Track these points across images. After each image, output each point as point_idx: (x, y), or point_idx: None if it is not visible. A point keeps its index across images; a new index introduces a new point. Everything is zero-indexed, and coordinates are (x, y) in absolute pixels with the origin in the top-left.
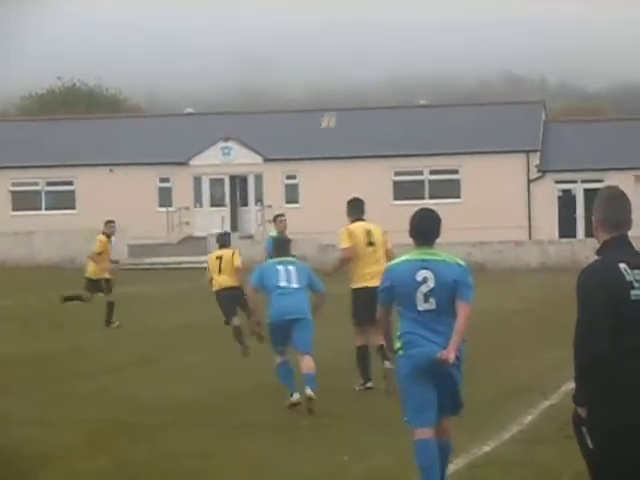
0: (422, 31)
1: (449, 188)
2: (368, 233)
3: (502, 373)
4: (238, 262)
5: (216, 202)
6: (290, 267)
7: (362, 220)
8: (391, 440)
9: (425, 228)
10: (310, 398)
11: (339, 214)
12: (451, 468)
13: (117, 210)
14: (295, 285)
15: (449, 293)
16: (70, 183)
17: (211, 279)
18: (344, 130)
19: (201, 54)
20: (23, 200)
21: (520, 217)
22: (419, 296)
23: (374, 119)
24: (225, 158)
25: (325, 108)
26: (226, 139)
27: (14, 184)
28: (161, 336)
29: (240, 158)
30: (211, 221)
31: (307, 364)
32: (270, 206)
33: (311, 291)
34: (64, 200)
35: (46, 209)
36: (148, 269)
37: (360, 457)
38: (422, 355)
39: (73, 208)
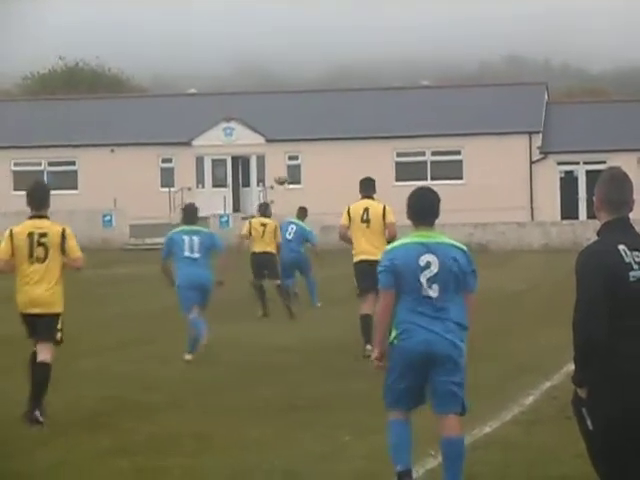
0: (424, 12)
1: (451, 169)
2: (366, 210)
3: (503, 354)
4: (279, 238)
5: (218, 183)
6: (194, 237)
7: (369, 198)
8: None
9: (424, 208)
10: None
11: (341, 195)
12: None
13: (119, 190)
14: (197, 255)
15: (454, 279)
16: (72, 163)
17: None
18: (346, 111)
19: (205, 34)
20: (25, 180)
21: (522, 198)
22: (422, 281)
23: (376, 100)
24: (227, 139)
25: (327, 89)
26: (228, 119)
27: (16, 164)
28: (162, 316)
29: (242, 139)
30: (213, 202)
31: (194, 320)
32: (272, 187)
33: (214, 254)
34: (66, 180)
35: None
36: (150, 249)
37: (362, 437)
38: (417, 346)
39: (75, 188)
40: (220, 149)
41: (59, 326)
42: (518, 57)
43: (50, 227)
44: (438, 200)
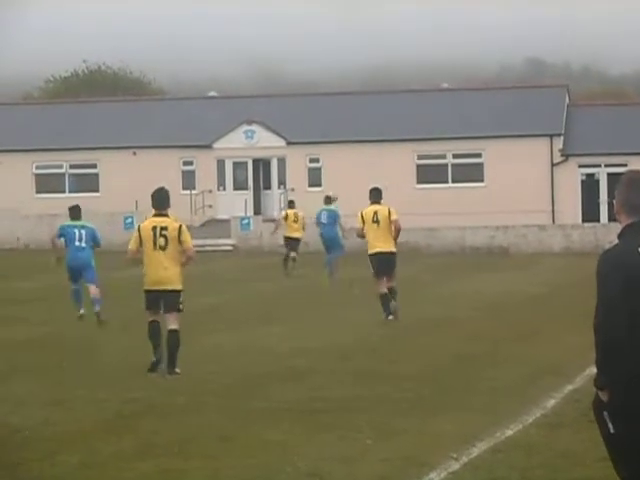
0: (445, 15)
1: (472, 172)
2: (375, 213)
3: (526, 357)
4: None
5: (239, 185)
6: (82, 231)
7: (377, 204)
8: (415, 423)
9: None
10: (97, 313)
11: (362, 197)
12: (474, 452)
13: (140, 193)
14: (83, 244)
15: None
16: (94, 166)
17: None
18: (367, 113)
19: (224, 38)
20: (47, 183)
21: (543, 201)
22: None
23: (397, 102)
24: (248, 141)
25: (347, 92)
26: (249, 122)
27: (38, 167)
28: (183, 317)
29: (263, 141)
30: (234, 204)
31: (92, 291)
32: (293, 189)
33: (94, 244)
34: (88, 183)
35: (70, 192)
36: None
37: (384, 440)
38: None
39: (97, 191)
40: (241, 152)
41: (181, 299)
42: (538, 60)
43: (170, 222)
44: None
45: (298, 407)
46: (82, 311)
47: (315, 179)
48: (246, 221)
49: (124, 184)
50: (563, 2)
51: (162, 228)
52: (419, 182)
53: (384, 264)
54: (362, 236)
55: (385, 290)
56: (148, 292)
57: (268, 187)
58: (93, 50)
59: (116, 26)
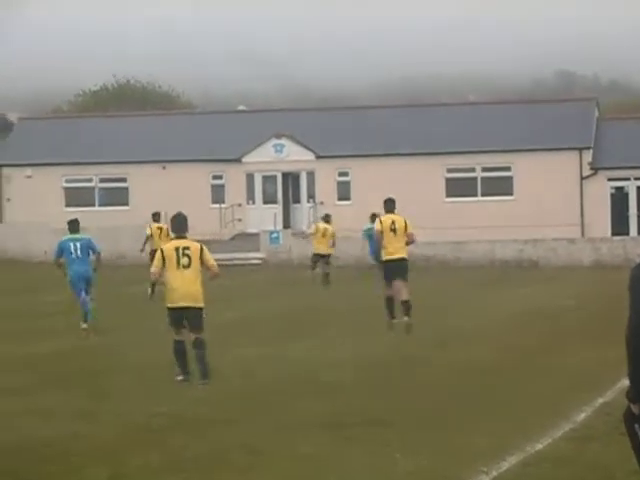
0: (475, 28)
1: (502, 185)
2: (393, 222)
3: (556, 370)
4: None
5: (268, 199)
6: (77, 243)
7: (392, 213)
8: (444, 436)
9: None
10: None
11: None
12: (504, 466)
13: (170, 207)
14: (79, 256)
15: None
16: (123, 180)
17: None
18: (396, 127)
19: (253, 52)
20: (76, 196)
21: (573, 215)
22: None
23: (427, 116)
24: (278, 155)
25: (376, 105)
26: (279, 136)
27: (68, 180)
28: (212, 331)
29: (292, 155)
30: (263, 218)
31: (84, 300)
32: (322, 203)
33: (93, 253)
34: (117, 197)
35: (99, 205)
36: None
37: (413, 454)
38: None
39: (126, 205)
40: (270, 165)
41: (204, 315)
42: (567, 73)
43: (191, 243)
44: None
45: (327, 421)
46: (84, 326)
47: (344, 193)
48: (275, 235)
49: (153, 198)
50: (592, 16)
51: (184, 248)
52: (448, 195)
53: (398, 269)
54: (381, 243)
55: (391, 294)
56: (172, 309)
57: (297, 201)
58: (122, 64)
59: (144, 41)
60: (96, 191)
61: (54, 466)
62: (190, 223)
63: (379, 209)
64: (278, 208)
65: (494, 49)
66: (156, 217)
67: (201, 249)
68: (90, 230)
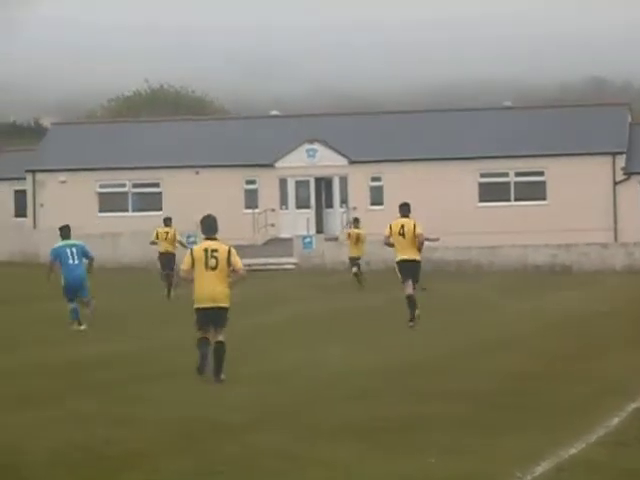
0: (505, 32)
1: (535, 190)
2: (402, 226)
3: (589, 375)
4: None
5: (301, 204)
6: (73, 249)
7: (406, 217)
8: (478, 441)
9: None
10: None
11: (423, 216)
12: (537, 471)
13: (203, 212)
14: (76, 262)
15: None
16: (156, 185)
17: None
18: (429, 132)
19: (285, 56)
20: (110, 202)
21: (606, 219)
22: None
23: (459, 121)
24: (310, 160)
25: (409, 110)
26: (311, 141)
27: (101, 186)
28: (246, 336)
29: (325, 160)
30: (296, 223)
31: (88, 306)
32: (355, 208)
33: (86, 259)
34: (150, 202)
35: (133, 211)
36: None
37: (446, 459)
38: None
39: (159, 210)
40: (303, 170)
41: (227, 315)
42: (598, 78)
43: (220, 245)
44: None
45: (360, 426)
46: (83, 327)
47: (377, 198)
48: (308, 240)
49: (187, 203)
50: (623, 20)
51: (213, 250)
52: (481, 200)
53: (409, 270)
54: (390, 245)
55: (411, 292)
56: (199, 310)
57: (330, 206)
58: (155, 69)
59: (178, 45)
60: (129, 196)
61: (90, 471)
62: (223, 228)
63: (413, 214)
64: (311, 213)
65: (526, 55)
66: (167, 222)
67: (229, 251)
68: (124, 236)
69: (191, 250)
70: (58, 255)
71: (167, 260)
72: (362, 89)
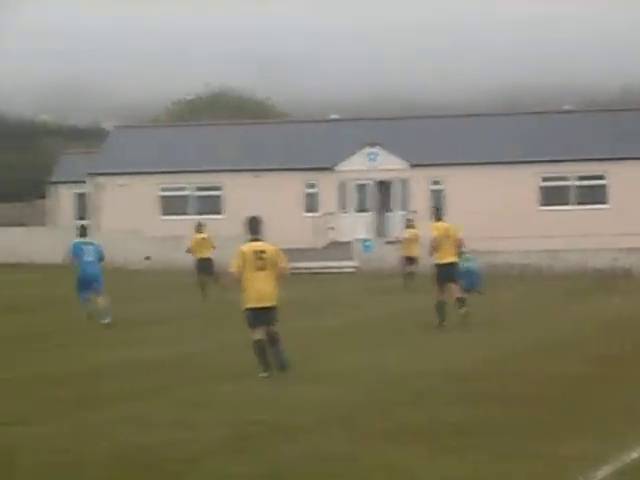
0: (565, 37)
1: (596, 194)
2: (446, 229)
3: None
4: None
5: (361, 207)
6: (90, 247)
7: (442, 221)
8: (538, 446)
9: None
10: (107, 324)
11: (485, 220)
12: (599, 475)
13: (264, 215)
14: (92, 259)
15: None
16: (218, 188)
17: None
18: (490, 135)
19: (345, 59)
20: (172, 205)
21: None
22: None
23: (520, 124)
24: (371, 164)
25: (470, 114)
26: (372, 145)
27: (163, 189)
28: (304, 340)
29: (386, 164)
30: (357, 226)
31: (101, 302)
32: (415, 211)
33: (100, 259)
34: (212, 205)
35: (194, 214)
36: (294, 274)
37: (505, 463)
38: None
39: (221, 213)
40: (364, 174)
41: (277, 314)
42: None
43: (267, 246)
44: None
45: (420, 429)
46: (107, 320)
47: (438, 202)
48: (368, 243)
49: (247, 207)
50: None
51: (261, 251)
52: (542, 204)
53: (450, 273)
54: (436, 249)
55: (442, 298)
56: (250, 310)
57: (390, 209)
58: (217, 74)
59: (240, 48)
60: (191, 200)
61: (152, 472)
62: (283, 231)
63: (474, 217)
64: (371, 216)
65: (587, 57)
66: (199, 228)
67: (276, 252)
68: (186, 239)
69: (242, 251)
70: (77, 250)
71: (206, 265)
72: (416, 92)
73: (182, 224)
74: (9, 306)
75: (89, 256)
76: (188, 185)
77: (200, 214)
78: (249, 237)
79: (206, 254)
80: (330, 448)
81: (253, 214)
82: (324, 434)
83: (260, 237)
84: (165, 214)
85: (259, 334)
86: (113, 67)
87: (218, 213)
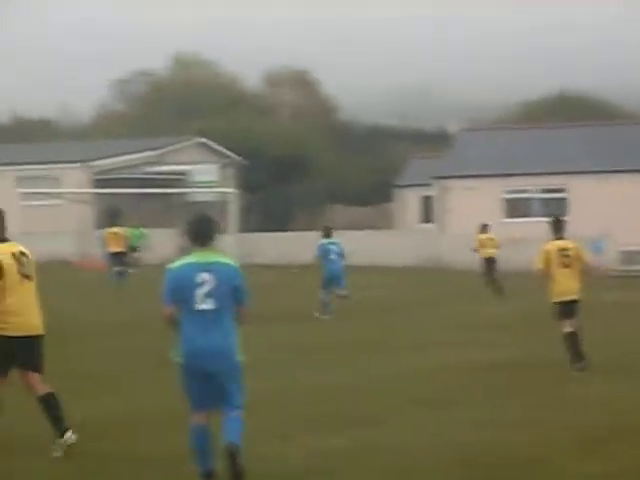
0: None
1: None
2: (563, 250)
3: None
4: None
5: None
6: (334, 247)
7: (562, 239)
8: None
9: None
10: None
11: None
12: None
13: (609, 217)
14: (334, 257)
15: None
16: (562, 190)
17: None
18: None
19: None
20: (516, 207)
21: None
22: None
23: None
24: None
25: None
26: None
27: (508, 191)
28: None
29: None
30: None
31: (338, 292)
32: None
33: (342, 256)
34: (556, 207)
35: (538, 216)
36: (637, 276)
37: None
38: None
39: (565, 215)
40: None
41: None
42: None
43: (570, 244)
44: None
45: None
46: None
47: None
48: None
49: (592, 209)
50: None
51: (565, 249)
52: None
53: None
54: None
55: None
56: (559, 303)
57: None
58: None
59: (590, 55)
60: (535, 202)
61: (501, 473)
62: (629, 233)
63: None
64: None
65: None
66: (484, 229)
67: (579, 249)
68: (528, 242)
69: (547, 250)
70: (323, 251)
71: (491, 265)
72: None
73: (524, 227)
74: (381, 307)
75: (333, 255)
76: (533, 187)
77: (544, 216)
78: (553, 236)
79: (490, 254)
80: None
81: (556, 215)
82: None
83: (563, 235)
84: (509, 217)
85: (568, 327)
86: (455, 69)
87: (562, 215)
